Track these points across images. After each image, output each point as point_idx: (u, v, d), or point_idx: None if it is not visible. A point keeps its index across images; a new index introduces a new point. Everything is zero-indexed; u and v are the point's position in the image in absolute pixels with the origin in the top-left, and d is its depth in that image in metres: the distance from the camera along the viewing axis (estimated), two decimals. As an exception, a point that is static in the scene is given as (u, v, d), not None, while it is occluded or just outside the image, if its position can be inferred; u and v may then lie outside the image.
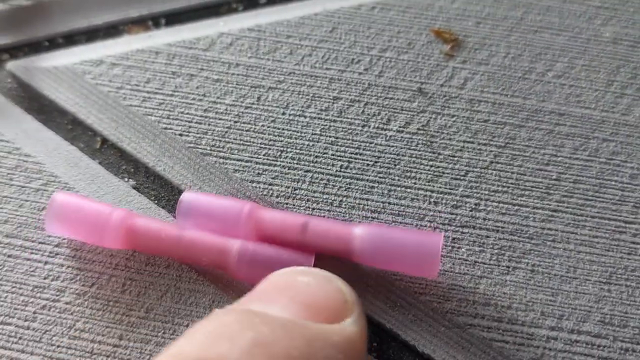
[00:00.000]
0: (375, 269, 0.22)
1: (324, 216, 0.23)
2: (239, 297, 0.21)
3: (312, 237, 0.21)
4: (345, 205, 0.23)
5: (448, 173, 0.24)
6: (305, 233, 0.21)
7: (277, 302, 0.17)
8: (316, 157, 0.24)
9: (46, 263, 0.22)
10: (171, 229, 0.22)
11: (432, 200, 0.24)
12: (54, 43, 0.28)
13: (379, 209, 0.23)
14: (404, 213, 0.23)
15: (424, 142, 0.25)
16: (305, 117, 0.25)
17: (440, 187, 0.24)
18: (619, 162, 0.25)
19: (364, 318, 0.18)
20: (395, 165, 0.24)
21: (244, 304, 0.17)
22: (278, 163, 0.24)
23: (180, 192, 0.24)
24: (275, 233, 0.22)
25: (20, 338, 0.21)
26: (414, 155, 0.24)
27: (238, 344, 0.15)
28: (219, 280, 0.22)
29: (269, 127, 0.25)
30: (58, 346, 0.21)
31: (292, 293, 0.17)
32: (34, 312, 0.21)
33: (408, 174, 0.24)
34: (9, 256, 0.22)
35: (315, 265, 0.21)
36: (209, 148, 0.24)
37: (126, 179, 0.24)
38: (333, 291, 0.18)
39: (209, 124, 0.25)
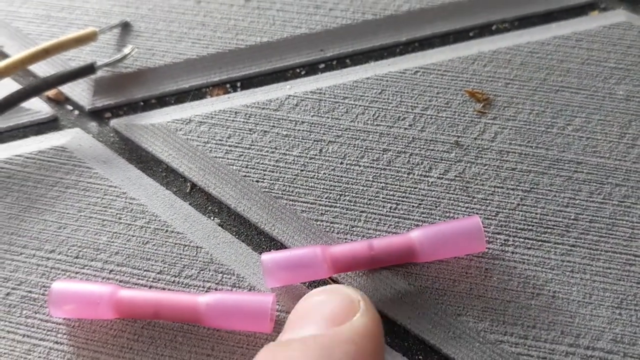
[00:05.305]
0: (422, 288, 0.26)
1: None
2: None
3: (380, 252, 0.25)
4: (394, 240, 0.28)
5: (481, 214, 0.28)
6: (373, 250, 0.25)
7: (307, 327, 0.21)
8: (369, 199, 0.29)
9: (150, 287, 0.27)
10: (149, 300, 0.25)
11: (467, 236, 0.28)
12: (148, 104, 0.33)
13: (423, 244, 0.28)
14: (444, 247, 0.27)
15: (460, 187, 0.29)
16: (359, 166, 0.30)
17: (474, 226, 0.28)
18: (630, 204, 0.28)
19: (371, 309, 0.21)
20: (436, 207, 0.29)
21: (281, 335, 0.22)
22: (338, 205, 0.29)
23: (257, 228, 0.29)
24: (348, 260, 0.25)
25: (130, 349, 0.25)
26: (452, 199, 0.29)
27: None
28: (279, 290, 0.26)
29: (329, 174, 0.30)
30: (162, 355, 0.25)
31: (314, 314, 0.21)
32: (142, 328, 0.26)
33: (447, 215, 0.28)
34: (120, 281, 0.27)
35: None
36: (280, 192, 0.29)
37: (212, 218, 0.29)
38: (341, 298, 0.21)
39: (280, 172, 0.30)
